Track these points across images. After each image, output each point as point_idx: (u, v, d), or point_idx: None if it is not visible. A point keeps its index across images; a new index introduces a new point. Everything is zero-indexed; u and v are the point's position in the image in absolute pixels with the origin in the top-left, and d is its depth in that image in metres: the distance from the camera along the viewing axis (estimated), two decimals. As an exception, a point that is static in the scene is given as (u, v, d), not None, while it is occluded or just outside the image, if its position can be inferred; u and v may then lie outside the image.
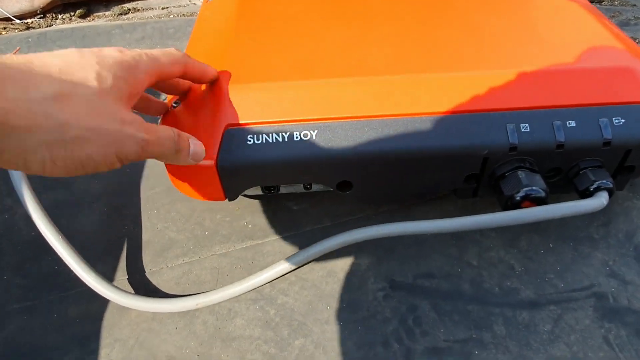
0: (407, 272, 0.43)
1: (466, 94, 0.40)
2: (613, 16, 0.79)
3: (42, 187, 0.53)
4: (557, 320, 0.39)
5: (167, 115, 0.43)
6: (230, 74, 0.42)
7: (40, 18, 0.87)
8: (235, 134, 0.39)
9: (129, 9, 0.89)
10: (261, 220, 0.48)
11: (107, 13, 0.89)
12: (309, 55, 0.43)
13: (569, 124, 0.39)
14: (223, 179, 0.40)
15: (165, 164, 0.43)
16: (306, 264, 0.43)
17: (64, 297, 0.42)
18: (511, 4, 0.50)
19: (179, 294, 0.42)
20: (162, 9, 0.90)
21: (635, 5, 0.82)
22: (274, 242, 0.46)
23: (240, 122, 0.39)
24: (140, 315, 0.40)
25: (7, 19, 0.85)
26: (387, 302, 0.40)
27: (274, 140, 0.39)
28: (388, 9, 0.50)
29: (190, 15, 0.87)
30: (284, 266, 0.41)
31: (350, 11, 0.50)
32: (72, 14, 0.87)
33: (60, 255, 0.40)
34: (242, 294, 0.41)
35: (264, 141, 0.39)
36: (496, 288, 0.41)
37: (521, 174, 0.39)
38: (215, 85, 0.41)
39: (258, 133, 0.39)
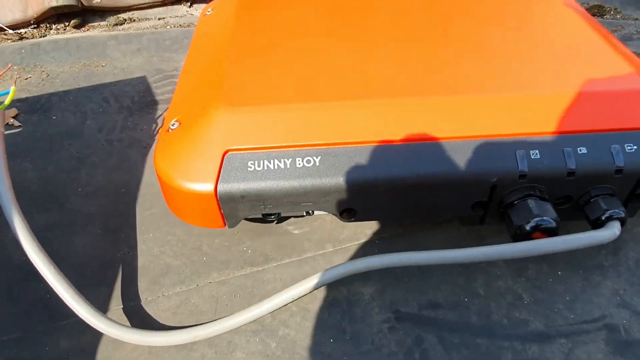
0: (412, 301, 0.41)
1: (474, 119, 0.39)
2: (615, 30, 0.79)
3: (34, 207, 0.52)
4: (568, 354, 0.37)
5: (164, 137, 0.42)
6: (229, 96, 0.40)
7: (34, 28, 0.85)
8: (235, 160, 0.38)
9: (125, 19, 0.87)
10: (261, 244, 0.47)
11: (102, 23, 0.87)
12: (311, 76, 0.42)
13: (580, 150, 0.38)
14: (223, 206, 0.38)
15: (162, 190, 0.42)
16: (308, 293, 0.42)
17: (55, 328, 0.41)
18: (520, 24, 0.49)
19: (176, 325, 0.40)
20: (159, 19, 0.88)
21: (637, 19, 0.82)
22: (275, 268, 0.45)
23: (241, 147, 0.38)
24: (136, 349, 0.39)
25: (0, 29, 0.83)
26: (392, 335, 0.39)
27: (276, 167, 0.38)
28: (391, 27, 0.49)
29: (187, 26, 0.86)
30: (285, 296, 0.40)
31: (352, 29, 0.49)
32: (67, 24, 0.86)
33: (51, 285, 0.39)
34: (242, 325, 0.40)
35: (266, 167, 0.38)
36: (505, 319, 0.40)
37: (531, 202, 0.37)
38: (215, 107, 0.40)
39: (259, 159, 0.38)
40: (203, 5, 0.92)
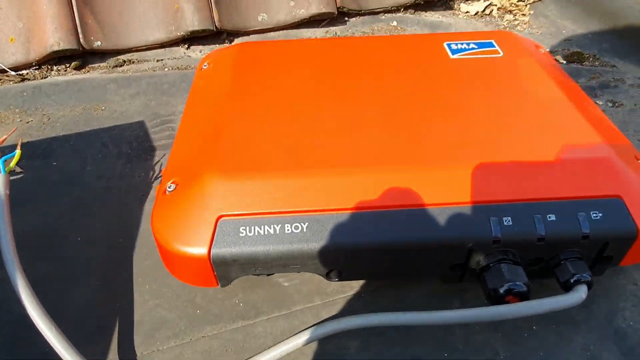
0: (395, 356, 0.44)
1: (451, 186, 0.42)
2: (594, 77, 0.83)
3: (35, 255, 0.54)
4: (541, 410, 0.40)
5: (160, 200, 0.44)
6: (223, 164, 0.43)
7: (36, 69, 0.88)
8: (228, 225, 0.40)
9: (124, 61, 0.91)
10: (253, 297, 0.49)
11: (102, 65, 0.90)
12: (299, 143, 0.45)
13: (549, 217, 0.41)
14: (216, 269, 0.41)
15: (159, 251, 0.44)
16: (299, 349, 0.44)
17: (54, 383, 0.42)
18: (494, 90, 0.52)
19: (170, 380, 0.43)
20: (157, 61, 0.92)
21: (615, 66, 0.86)
22: (265, 322, 0.47)
23: (233, 212, 0.41)
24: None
25: (2, 71, 0.86)
26: (375, 390, 0.41)
27: (266, 233, 0.40)
28: (378, 94, 0.52)
29: (185, 68, 0.89)
30: (274, 353, 0.42)
31: (341, 95, 0.52)
32: (68, 65, 0.89)
33: (49, 342, 0.40)
34: (233, 380, 0.42)
35: (256, 233, 0.40)
36: (482, 375, 0.42)
37: (504, 267, 0.40)
38: (209, 175, 0.42)
39: (250, 225, 0.40)
40: (200, 47, 0.96)
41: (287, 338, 0.42)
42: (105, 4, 0.89)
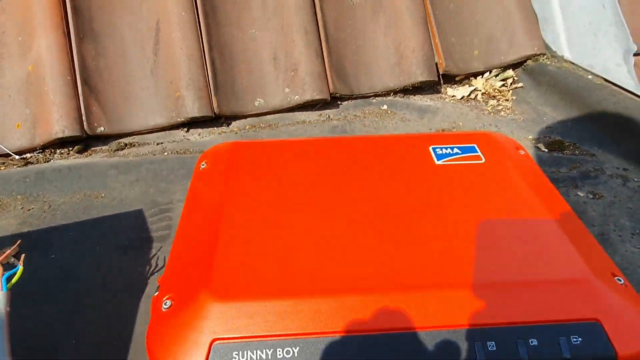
0: None
1: (438, 310, 0.44)
2: (574, 167, 0.87)
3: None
4: None
5: (157, 316, 0.46)
6: (217, 288, 0.45)
7: (39, 153, 0.91)
8: (222, 349, 0.42)
9: (126, 144, 0.94)
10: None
11: (104, 148, 0.94)
12: (292, 264, 0.47)
13: (532, 342, 0.42)
14: (209, 392, 0.42)
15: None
16: None
17: None
18: (474, 206, 0.55)
19: None
20: (157, 144, 0.95)
21: (594, 155, 0.90)
22: None
23: (227, 336, 0.42)
24: None
25: (7, 155, 0.89)
26: None
27: (258, 358, 0.41)
28: (368, 206, 0.55)
29: (184, 152, 0.93)
30: None
31: (333, 207, 0.55)
32: (70, 149, 0.92)
33: None
34: None
35: (249, 358, 0.41)
36: None
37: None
38: (204, 296, 0.44)
39: (243, 349, 0.42)
40: (199, 131, 1.00)
41: None
42: (110, 92, 0.94)
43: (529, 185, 0.58)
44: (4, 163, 0.89)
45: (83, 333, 0.58)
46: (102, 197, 0.81)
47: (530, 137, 0.98)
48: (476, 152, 0.64)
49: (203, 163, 0.66)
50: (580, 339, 0.43)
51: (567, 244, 0.49)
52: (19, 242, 0.55)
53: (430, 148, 0.65)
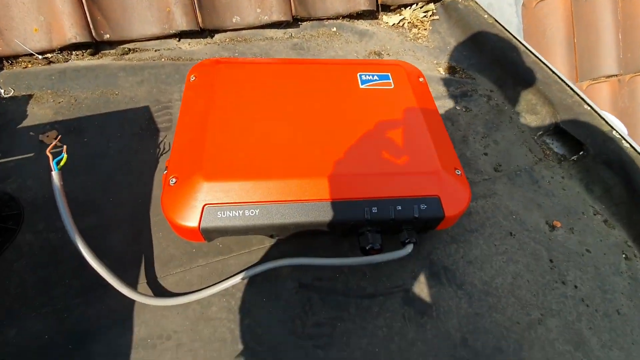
0: (309, 276, 0.56)
1: (343, 188, 0.51)
2: (459, 88, 0.90)
3: (80, 212, 0.58)
4: (382, 304, 0.55)
5: (166, 190, 0.51)
6: (206, 170, 0.49)
7: (58, 54, 0.83)
8: (210, 210, 0.48)
9: (129, 49, 0.87)
10: (228, 241, 0.59)
11: (111, 51, 0.86)
12: (257, 155, 0.51)
13: (397, 207, 0.52)
14: (203, 234, 0.50)
15: (168, 221, 0.51)
16: (253, 275, 0.55)
17: (104, 296, 0.52)
18: (379, 118, 0.58)
19: (179, 292, 0.53)
20: (155, 51, 0.88)
21: (475, 79, 0.93)
22: (236, 257, 0.57)
23: (214, 202, 0.49)
24: (154, 310, 0.51)
25: (30, 54, 0.81)
26: (296, 296, 0.54)
27: (234, 215, 0.49)
28: (309, 116, 0.57)
29: (177, 59, 0.87)
30: (240, 276, 0.53)
31: (286, 116, 0.56)
32: (84, 51, 0.84)
33: (98, 271, 0.48)
34: (215, 292, 0.53)
35: (228, 215, 0.49)
36: (355, 286, 0.56)
37: (369, 234, 0.52)
38: (197, 179, 0.49)
39: (224, 210, 0.49)
40: (188, 41, 0.92)
41: (245, 269, 0.54)
42: (109, 5, 0.82)
43: (418, 105, 0.62)
44: (29, 61, 0.81)
45: (116, 195, 0.62)
46: (116, 94, 0.78)
47: (435, 62, 0.98)
48: (388, 79, 0.66)
49: (192, 76, 0.64)
50: (425, 206, 0.52)
51: (431, 148, 0.56)
52: (59, 136, 0.56)
53: (358, 74, 0.66)
